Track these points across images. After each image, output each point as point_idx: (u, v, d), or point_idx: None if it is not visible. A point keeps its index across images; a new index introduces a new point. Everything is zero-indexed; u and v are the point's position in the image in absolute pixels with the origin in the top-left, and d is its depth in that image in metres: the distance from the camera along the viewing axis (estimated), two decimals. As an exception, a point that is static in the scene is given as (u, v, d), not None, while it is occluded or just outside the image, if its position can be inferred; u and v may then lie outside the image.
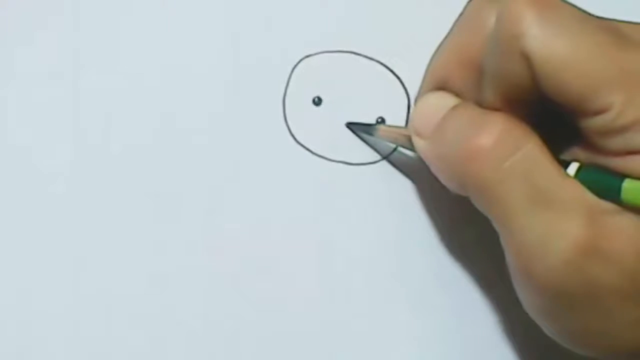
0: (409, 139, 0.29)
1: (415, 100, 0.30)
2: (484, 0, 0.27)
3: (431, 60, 0.30)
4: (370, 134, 0.32)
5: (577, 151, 0.26)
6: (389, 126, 0.32)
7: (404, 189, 0.32)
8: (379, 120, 0.33)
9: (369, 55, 0.33)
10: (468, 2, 0.28)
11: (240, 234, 0.32)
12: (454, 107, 0.27)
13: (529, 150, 0.25)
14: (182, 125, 0.32)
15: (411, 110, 0.32)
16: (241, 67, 0.33)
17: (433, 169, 0.28)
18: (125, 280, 0.31)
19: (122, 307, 0.31)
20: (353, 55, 0.33)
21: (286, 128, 0.32)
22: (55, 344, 0.31)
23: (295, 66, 0.33)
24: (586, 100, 0.24)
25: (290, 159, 0.32)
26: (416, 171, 0.32)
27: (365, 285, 0.32)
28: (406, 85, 0.33)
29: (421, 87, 0.30)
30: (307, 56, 0.33)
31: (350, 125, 0.32)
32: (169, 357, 0.31)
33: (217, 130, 0.32)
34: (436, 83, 0.29)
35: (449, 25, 0.29)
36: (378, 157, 0.33)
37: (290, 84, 0.33)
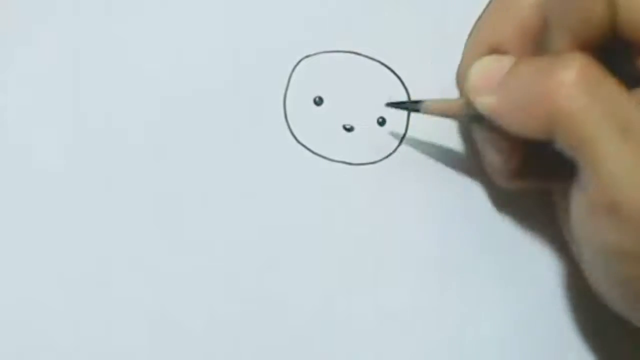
0: (461, 107, 0.29)
1: (458, 74, 0.30)
2: None
3: (474, 30, 0.30)
4: (416, 110, 0.31)
5: None
6: (437, 100, 0.31)
7: (404, 189, 0.32)
8: (380, 120, 0.33)
9: (369, 55, 0.33)
10: None
11: (240, 233, 0.32)
12: (520, 59, 0.27)
13: (610, 83, 0.25)
14: (182, 125, 0.32)
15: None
16: (241, 67, 0.33)
17: (504, 121, 0.27)
18: (125, 280, 0.31)
19: (123, 307, 0.31)
20: (353, 55, 0.33)
21: (287, 128, 0.32)
22: (56, 344, 0.31)
23: (296, 66, 0.33)
24: None
25: (291, 159, 0.32)
26: (417, 171, 0.32)
27: (365, 284, 0.32)
28: (406, 85, 0.33)
29: (466, 56, 0.30)
30: (307, 56, 0.33)
31: (393, 104, 0.32)
32: (169, 357, 0.31)
33: (217, 130, 0.32)
34: (486, 49, 0.29)
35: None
36: (378, 157, 0.33)
37: (291, 84, 0.33)
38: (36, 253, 0.31)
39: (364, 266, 0.32)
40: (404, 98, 0.33)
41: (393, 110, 0.32)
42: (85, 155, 0.32)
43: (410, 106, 0.31)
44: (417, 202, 0.32)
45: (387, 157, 0.33)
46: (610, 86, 0.25)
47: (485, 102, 0.28)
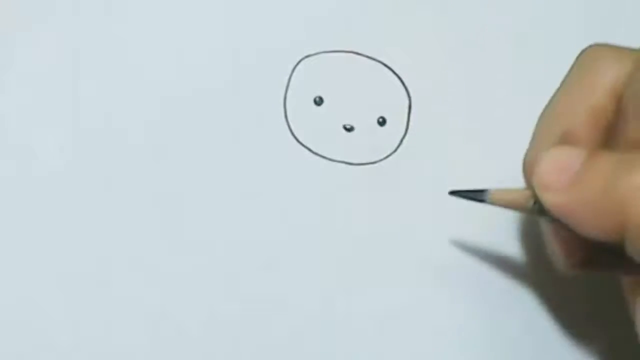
0: (527, 199, 0.27)
1: (524, 162, 0.29)
2: (599, 50, 0.27)
3: (546, 113, 0.28)
4: (481, 200, 0.29)
5: None
6: (502, 189, 0.29)
7: (404, 189, 0.32)
8: (380, 120, 0.33)
9: (369, 55, 0.33)
10: (584, 51, 0.28)
11: (240, 233, 0.32)
12: (594, 154, 0.25)
13: None
14: (182, 125, 0.32)
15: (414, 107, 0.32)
16: (241, 67, 0.33)
17: (573, 222, 0.26)
18: (125, 280, 0.31)
19: (123, 307, 0.31)
20: (353, 55, 0.33)
21: (287, 128, 0.32)
22: (56, 344, 0.31)
23: (296, 66, 0.33)
24: None
25: (291, 159, 0.32)
26: (416, 171, 0.32)
27: (365, 284, 0.32)
28: (407, 85, 0.33)
29: (535, 143, 0.28)
30: (307, 56, 0.33)
31: (456, 193, 0.30)
32: (169, 357, 0.31)
33: (217, 130, 0.32)
34: (558, 136, 0.28)
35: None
36: (378, 157, 0.33)
37: (291, 84, 0.33)
38: (36, 253, 0.31)
39: (364, 266, 0.32)
40: (404, 98, 0.33)
41: (393, 110, 0.32)
42: (85, 155, 0.32)
43: (474, 196, 0.29)
44: (417, 202, 0.32)
45: (387, 157, 0.33)
46: None
47: (554, 201, 0.26)
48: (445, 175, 0.32)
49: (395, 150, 0.33)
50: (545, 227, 0.29)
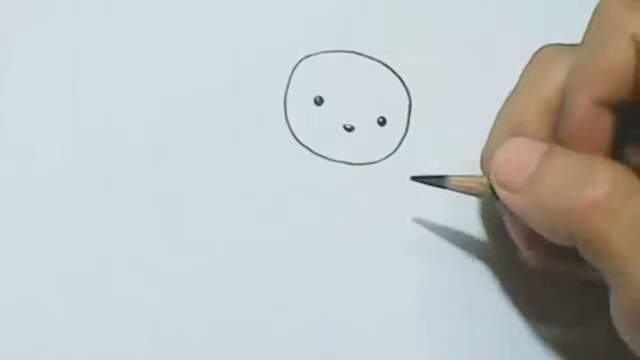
0: (487, 187, 0.28)
1: (482, 156, 0.29)
2: (554, 50, 0.28)
3: (501, 111, 0.29)
4: (442, 186, 0.30)
5: None
6: (462, 176, 0.30)
7: (404, 189, 0.32)
8: (380, 120, 0.33)
9: (369, 55, 0.33)
10: (539, 51, 0.28)
11: (240, 233, 0.32)
12: (551, 153, 0.26)
13: None
14: (182, 125, 0.32)
15: (414, 107, 0.32)
16: (241, 67, 0.33)
17: (527, 221, 0.27)
18: (125, 280, 0.31)
19: (123, 307, 0.31)
20: (353, 55, 0.33)
21: (287, 128, 0.32)
22: (56, 344, 0.31)
23: (296, 66, 0.33)
24: None
25: (292, 159, 0.32)
26: (416, 171, 0.32)
27: (366, 285, 0.32)
28: (407, 84, 0.33)
29: (491, 138, 0.29)
30: (307, 56, 0.33)
31: (418, 178, 0.31)
32: (169, 357, 0.31)
33: (217, 130, 0.32)
34: (511, 130, 0.28)
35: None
36: (378, 157, 0.33)
37: (291, 84, 0.33)
38: (36, 253, 0.31)
39: (364, 266, 0.32)
40: (404, 97, 0.33)
41: (393, 110, 0.32)
42: (85, 155, 0.32)
43: (435, 181, 0.30)
44: (417, 202, 0.32)
45: (387, 157, 0.33)
46: None
47: (509, 199, 0.27)
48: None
49: (395, 150, 0.33)
50: (505, 215, 0.30)
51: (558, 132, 0.28)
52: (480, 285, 0.32)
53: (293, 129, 0.32)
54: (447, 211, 0.32)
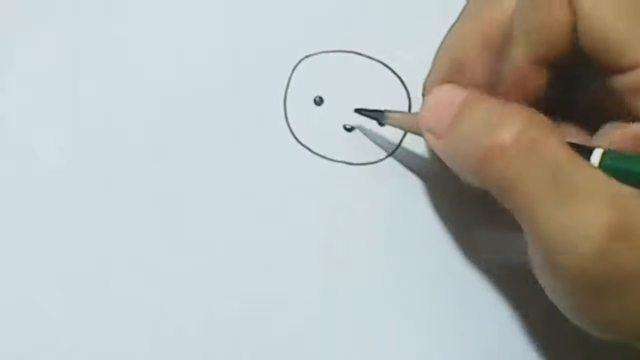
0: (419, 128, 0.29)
1: (423, 87, 0.30)
2: None
3: (443, 43, 0.29)
4: (380, 121, 0.31)
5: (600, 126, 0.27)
6: (398, 112, 0.31)
7: (405, 189, 0.32)
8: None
9: (369, 55, 0.33)
10: None
11: (240, 233, 0.32)
12: (468, 101, 0.27)
13: (550, 143, 0.25)
14: (182, 125, 0.32)
15: (414, 107, 0.32)
16: (241, 67, 0.33)
17: (448, 164, 0.28)
18: (125, 280, 0.31)
19: (123, 307, 0.31)
20: (353, 54, 0.33)
21: (287, 128, 0.32)
22: (56, 344, 0.31)
23: (296, 66, 0.33)
24: (623, 55, 0.25)
25: (292, 159, 0.32)
26: (417, 171, 0.32)
27: (366, 285, 0.32)
28: (406, 84, 0.33)
29: (432, 71, 0.30)
30: (307, 56, 0.33)
31: (360, 111, 0.32)
32: (169, 357, 0.31)
33: (217, 130, 0.32)
34: (450, 65, 0.29)
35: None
36: (378, 157, 0.33)
37: (291, 84, 0.33)
38: (36, 253, 0.31)
39: (364, 266, 0.32)
40: (404, 98, 0.33)
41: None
42: (85, 155, 0.32)
43: (374, 115, 0.31)
44: (417, 202, 0.32)
45: (387, 157, 0.33)
46: (549, 145, 0.25)
47: (432, 142, 0.28)
48: (444, 176, 0.32)
49: (395, 150, 0.33)
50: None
51: (495, 76, 0.28)
52: (483, 286, 0.32)
53: (293, 129, 0.32)
54: (447, 211, 0.32)
